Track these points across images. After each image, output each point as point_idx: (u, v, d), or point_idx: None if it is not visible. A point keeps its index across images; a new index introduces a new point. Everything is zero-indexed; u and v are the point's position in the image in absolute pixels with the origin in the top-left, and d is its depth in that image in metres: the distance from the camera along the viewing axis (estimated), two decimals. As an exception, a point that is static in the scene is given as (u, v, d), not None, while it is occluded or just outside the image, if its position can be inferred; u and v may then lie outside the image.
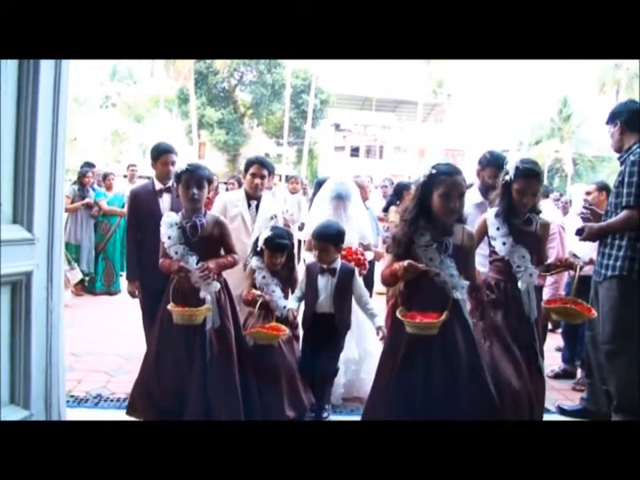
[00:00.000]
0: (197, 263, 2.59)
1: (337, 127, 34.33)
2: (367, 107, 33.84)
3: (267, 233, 2.97)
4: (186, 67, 24.95)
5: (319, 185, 4.25)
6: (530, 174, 2.63)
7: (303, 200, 8.02)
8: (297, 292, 3.09)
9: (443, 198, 2.23)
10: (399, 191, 5.38)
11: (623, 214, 2.84)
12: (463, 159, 31.41)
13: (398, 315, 2.22)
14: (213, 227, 2.73)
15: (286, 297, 3.02)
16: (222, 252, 2.82)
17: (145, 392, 2.74)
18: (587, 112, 29.17)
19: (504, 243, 2.62)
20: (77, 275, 5.87)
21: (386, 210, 5.45)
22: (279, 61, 25.71)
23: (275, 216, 3.76)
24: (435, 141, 31.64)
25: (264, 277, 2.98)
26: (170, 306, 2.58)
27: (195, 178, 2.64)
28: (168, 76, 26.46)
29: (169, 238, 2.63)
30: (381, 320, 3.01)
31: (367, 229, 3.97)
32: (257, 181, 3.58)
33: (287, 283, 3.09)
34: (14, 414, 2.11)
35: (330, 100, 28.31)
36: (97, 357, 4.25)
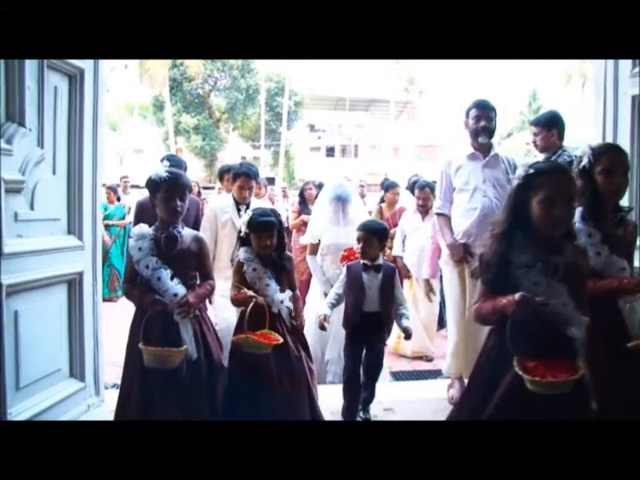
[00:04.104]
0: (172, 279, 2.28)
1: (312, 127, 34.83)
2: (341, 107, 34.29)
3: (247, 215, 2.62)
4: (160, 75, 25.19)
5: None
6: (613, 147, 2.24)
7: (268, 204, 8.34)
8: (332, 297, 2.89)
9: (545, 204, 1.73)
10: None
11: None
12: (439, 154, 32.25)
13: (517, 369, 1.65)
14: (191, 241, 2.42)
15: (282, 290, 2.61)
16: (196, 275, 2.50)
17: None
18: (555, 104, 30.08)
19: (598, 254, 2.13)
20: None
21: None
22: (252, 66, 26.19)
23: None
24: (409, 137, 32.43)
25: (255, 270, 2.58)
26: (141, 345, 2.20)
27: (177, 188, 2.34)
28: (142, 84, 26.62)
29: (140, 249, 2.30)
30: (409, 322, 2.88)
31: None
32: (246, 192, 3.61)
33: (281, 273, 2.66)
34: (73, 385, 2.64)
35: (304, 101, 28.77)
36: (110, 352, 4.69)
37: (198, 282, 2.47)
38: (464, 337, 3.23)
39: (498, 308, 1.72)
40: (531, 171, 1.77)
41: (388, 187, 5.64)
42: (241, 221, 2.66)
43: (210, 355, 2.44)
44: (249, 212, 2.62)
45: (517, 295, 1.64)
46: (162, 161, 3.50)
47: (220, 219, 3.61)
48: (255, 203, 3.76)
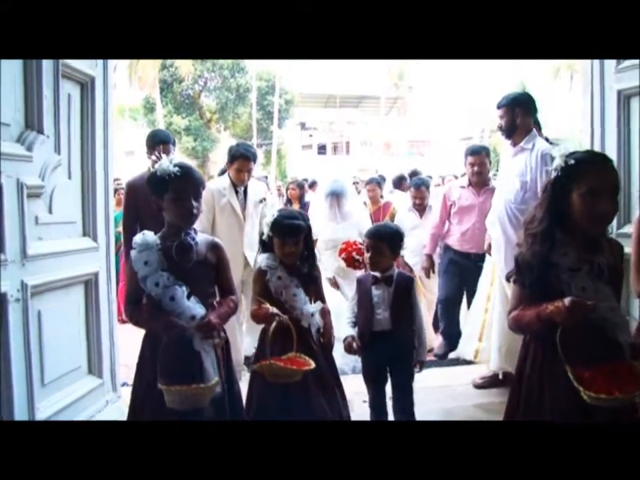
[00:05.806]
0: (189, 297, 1.90)
1: (303, 125, 34.88)
2: (331, 104, 34.42)
3: (272, 216, 2.32)
4: (150, 76, 25.20)
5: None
6: None
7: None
8: (349, 314, 2.55)
9: (588, 198, 1.57)
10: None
11: None
12: (430, 149, 32.46)
13: (575, 383, 1.49)
14: (208, 249, 2.03)
15: (311, 301, 2.34)
16: (215, 290, 2.13)
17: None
18: (543, 97, 30.22)
19: None
20: None
21: None
22: (242, 65, 26.23)
23: (264, 199, 3.69)
24: (400, 133, 32.61)
25: (280, 278, 2.28)
26: (161, 385, 1.80)
27: (191, 185, 1.95)
28: (131, 86, 26.57)
29: (146, 264, 1.89)
30: (423, 354, 2.55)
31: (366, 224, 3.83)
32: (244, 175, 3.51)
33: (309, 282, 2.37)
34: (92, 382, 2.73)
35: (294, 100, 28.92)
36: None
37: (217, 298, 2.12)
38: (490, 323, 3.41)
39: (544, 316, 1.56)
40: (571, 161, 1.60)
41: (366, 184, 5.76)
42: (265, 222, 2.37)
43: (232, 385, 2.11)
44: (275, 213, 2.34)
45: (567, 301, 1.48)
46: (150, 136, 3.32)
47: (218, 202, 3.53)
48: (253, 184, 3.74)
